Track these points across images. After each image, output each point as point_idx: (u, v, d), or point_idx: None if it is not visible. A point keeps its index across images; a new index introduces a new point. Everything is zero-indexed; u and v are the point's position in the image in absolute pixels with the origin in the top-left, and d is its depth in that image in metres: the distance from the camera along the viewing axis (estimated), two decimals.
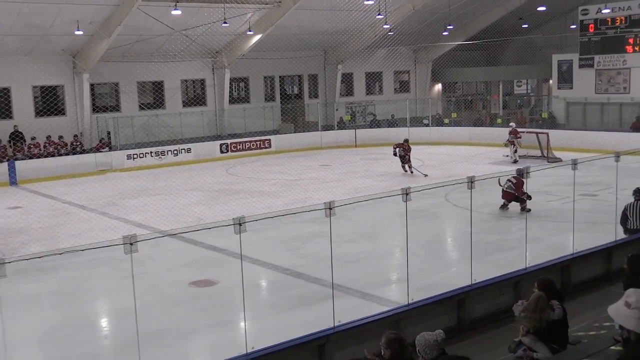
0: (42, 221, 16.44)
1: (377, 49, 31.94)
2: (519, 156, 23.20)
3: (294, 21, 26.12)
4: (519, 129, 24.17)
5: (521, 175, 14.52)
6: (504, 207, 15.03)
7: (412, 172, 20.97)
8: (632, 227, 11.12)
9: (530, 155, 23.36)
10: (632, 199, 11.22)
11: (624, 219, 11.23)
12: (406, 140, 21.57)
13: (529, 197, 14.60)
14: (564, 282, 9.61)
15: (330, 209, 7.35)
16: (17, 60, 23.57)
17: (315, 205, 7.70)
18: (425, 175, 20.44)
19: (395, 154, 21.44)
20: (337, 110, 31.83)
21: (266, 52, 28.41)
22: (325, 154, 27.54)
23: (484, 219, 13.61)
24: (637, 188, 11.28)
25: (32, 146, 24.01)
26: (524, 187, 14.42)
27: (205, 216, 15.58)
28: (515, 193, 14.61)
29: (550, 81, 32.51)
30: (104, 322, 10.09)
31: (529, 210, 14.48)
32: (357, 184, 19.64)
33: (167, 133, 26.99)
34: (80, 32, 22.50)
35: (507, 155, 23.60)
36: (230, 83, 28.80)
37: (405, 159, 21.15)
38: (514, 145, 23.50)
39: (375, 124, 32.43)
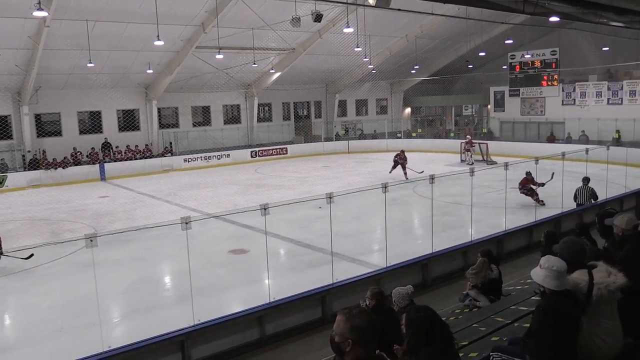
0: (123, 206, 16.46)
1: (363, 82, 31.75)
2: (474, 160, 22.97)
3: (304, 63, 25.98)
4: (473, 141, 23.96)
5: (527, 175, 13.76)
6: (536, 200, 13.63)
7: (407, 178, 18.41)
8: (580, 203, 11.69)
9: (475, 160, 23.21)
10: (580, 184, 11.82)
11: (575, 197, 11.79)
12: (402, 151, 20.19)
13: (528, 193, 13.63)
14: (499, 251, 9.57)
15: (330, 198, 7.31)
16: (106, 92, 23.42)
17: (319, 195, 7.65)
18: (421, 172, 18.36)
19: (394, 159, 20.12)
20: (335, 126, 31.64)
21: (284, 84, 28.25)
22: (326, 158, 27.36)
23: (441, 205, 13.51)
24: (585, 177, 11.75)
25: (116, 152, 23.94)
26: (530, 184, 13.47)
27: (240, 203, 15.53)
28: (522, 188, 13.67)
29: (489, 106, 32.29)
30: (166, 279, 10.08)
31: (543, 203, 13.26)
32: (349, 179, 19.52)
33: (212, 143, 26.85)
34: (151, 71, 22.43)
35: (464, 160, 23.33)
36: (257, 107, 28.61)
37: (397, 164, 19.70)
38: (470, 152, 23.29)
39: (362, 136, 32.21)
